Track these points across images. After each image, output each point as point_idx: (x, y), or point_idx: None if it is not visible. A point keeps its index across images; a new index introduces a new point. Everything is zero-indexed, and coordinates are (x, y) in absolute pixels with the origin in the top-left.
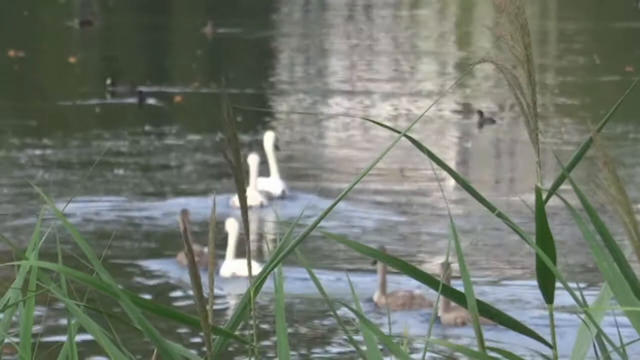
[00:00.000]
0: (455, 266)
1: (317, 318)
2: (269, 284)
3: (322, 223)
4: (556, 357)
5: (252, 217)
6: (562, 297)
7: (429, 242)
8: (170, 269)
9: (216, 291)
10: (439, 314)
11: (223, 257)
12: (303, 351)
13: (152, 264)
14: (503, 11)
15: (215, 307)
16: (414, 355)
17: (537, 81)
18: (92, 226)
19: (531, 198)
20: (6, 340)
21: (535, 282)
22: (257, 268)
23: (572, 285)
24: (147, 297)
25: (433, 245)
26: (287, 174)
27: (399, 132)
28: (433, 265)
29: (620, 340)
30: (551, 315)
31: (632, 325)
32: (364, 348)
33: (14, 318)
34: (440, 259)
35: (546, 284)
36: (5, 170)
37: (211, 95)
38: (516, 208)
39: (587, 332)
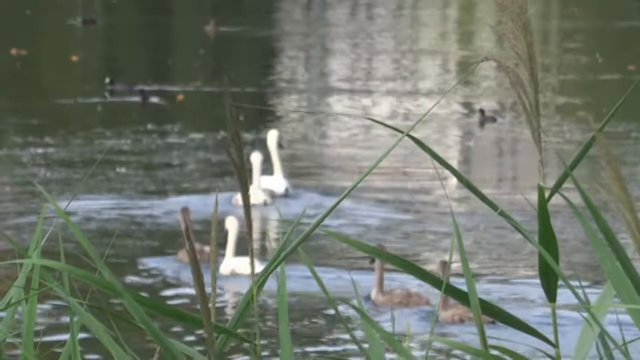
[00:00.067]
0: (456, 264)
1: (314, 316)
2: (269, 282)
3: (325, 221)
4: (559, 356)
5: (255, 215)
6: (564, 295)
7: (432, 241)
8: (172, 267)
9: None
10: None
11: (222, 255)
12: (302, 349)
13: (154, 262)
14: (505, 10)
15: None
16: (412, 353)
17: (539, 80)
18: (94, 224)
19: (534, 196)
20: (8, 339)
21: (537, 281)
22: (258, 266)
23: (575, 283)
24: (149, 295)
25: (436, 244)
26: (291, 173)
27: (402, 131)
28: (432, 264)
29: (623, 338)
30: (554, 314)
31: (634, 323)
32: (365, 346)
33: (16, 316)
34: (444, 257)
35: (549, 282)
36: (8, 169)
37: (213, 93)
38: (519, 206)
39: (590, 331)
